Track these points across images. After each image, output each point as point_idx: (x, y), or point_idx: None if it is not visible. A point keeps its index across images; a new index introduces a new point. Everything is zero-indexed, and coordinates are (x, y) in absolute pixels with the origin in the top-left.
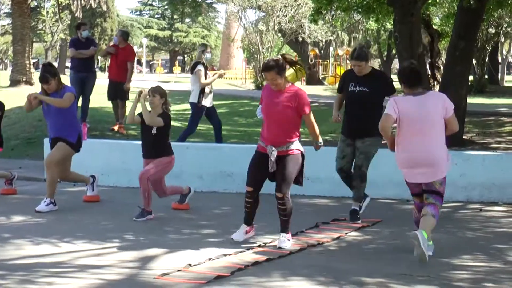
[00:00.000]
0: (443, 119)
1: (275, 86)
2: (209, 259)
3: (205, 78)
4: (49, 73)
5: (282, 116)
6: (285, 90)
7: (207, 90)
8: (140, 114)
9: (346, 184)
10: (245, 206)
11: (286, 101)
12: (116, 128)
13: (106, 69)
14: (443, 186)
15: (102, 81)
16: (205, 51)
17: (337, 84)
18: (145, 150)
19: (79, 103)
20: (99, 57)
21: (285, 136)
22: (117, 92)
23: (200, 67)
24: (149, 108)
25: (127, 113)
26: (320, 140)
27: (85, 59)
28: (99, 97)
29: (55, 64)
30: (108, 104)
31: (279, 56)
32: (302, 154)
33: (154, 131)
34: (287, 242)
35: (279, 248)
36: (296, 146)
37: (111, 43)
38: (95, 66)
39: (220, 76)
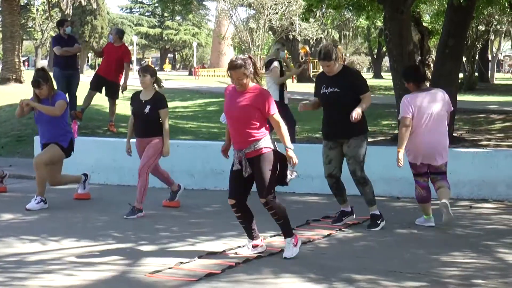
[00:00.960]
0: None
1: (240, 86)
2: (199, 256)
3: (281, 76)
4: (41, 78)
5: (246, 118)
6: (248, 91)
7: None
8: (135, 94)
9: (333, 192)
10: (239, 222)
11: (250, 102)
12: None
13: (97, 67)
14: (446, 167)
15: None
16: (281, 49)
17: None
18: (138, 129)
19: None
20: (89, 55)
21: (251, 136)
22: (107, 90)
23: (276, 64)
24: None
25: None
26: (288, 144)
27: (70, 56)
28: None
29: (45, 62)
30: (98, 102)
31: (248, 55)
32: (275, 152)
33: (146, 110)
34: (292, 249)
35: (285, 258)
36: (264, 144)
37: (107, 42)
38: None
39: (298, 71)
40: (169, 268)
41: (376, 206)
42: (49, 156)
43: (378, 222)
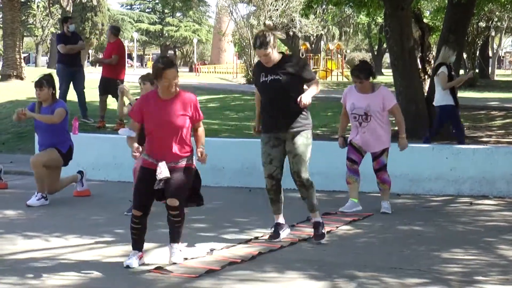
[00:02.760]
0: None
1: (172, 88)
2: (211, 250)
3: (448, 80)
4: (46, 81)
5: (175, 126)
6: (176, 96)
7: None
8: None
9: (270, 196)
10: (131, 232)
11: (180, 109)
12: (101, 125)
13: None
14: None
15: (93, 75)
16: (451, 55)
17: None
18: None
19: (73, 98)
20: (90, 51)
21: (179, 149)
22: (109, 88)
23: (443, 69)
24: (127, 102)
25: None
26: (201, 148)
27: (74, 53)
28: (90, 92)
29: (45, 58)
30: (94, 98)
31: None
32: (195, 170)
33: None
34: (179, 255)
35: (174, 263)
36: (190, 160)
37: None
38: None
39: (468, 79)
40: (173, 263)
41: (319, 212)
42: (47, 157)
43: (323, 231)
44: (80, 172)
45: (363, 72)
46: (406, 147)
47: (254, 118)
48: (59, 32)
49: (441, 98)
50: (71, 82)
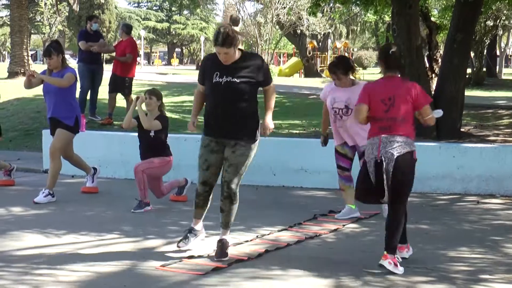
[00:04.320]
0: None
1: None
2: (207, 255)
3: None
4: (54, 48)
5: None
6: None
7: None
8: (137, 117)
9: (197, 200)
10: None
11: None
12: (108, 122)
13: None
14: None
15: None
16: None
17: None
18: (143, 152)
19: (86, 96)
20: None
21: None
22: (119, 86)
23: None
24: (144, 108)
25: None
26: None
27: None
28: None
29: None
30: (106, 96)
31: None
32: None
33: (152, 133)
34: None
35: None
36: None
37: (118, 40)
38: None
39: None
40: (178, 261)
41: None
42: (61, 142)
43: (227, 251)
44: (94, 168)
45: (340, 68)
46: None
47: (260, 116)
48: (82, 29)
49: None
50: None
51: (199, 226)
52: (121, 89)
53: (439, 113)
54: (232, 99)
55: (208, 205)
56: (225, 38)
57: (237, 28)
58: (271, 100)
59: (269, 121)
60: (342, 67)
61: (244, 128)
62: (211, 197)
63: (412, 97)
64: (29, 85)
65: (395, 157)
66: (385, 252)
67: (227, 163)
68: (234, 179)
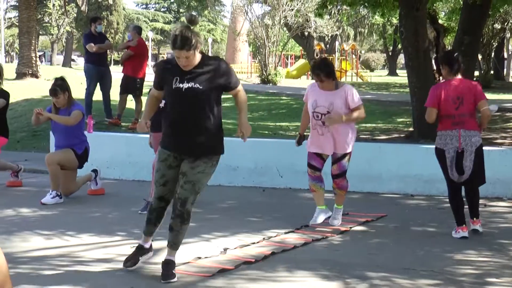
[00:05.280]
0: None
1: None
2: (224, 249)
3: None
4: (59, 87)
5: None
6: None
7: None
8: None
9: (150, 216)
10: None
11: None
12: (116, 122)
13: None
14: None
15: (114, 75)
16: None
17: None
18: (154, 123)
19: (96, 97)
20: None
21: None
22: (130, 88)
23: None
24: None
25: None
26: None
27: (102, 53)
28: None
29: (61, 57)
30: (115, 98)
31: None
32: None
33: (161, 104)
34: None
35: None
36: None
37: (126, 40)
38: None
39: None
40: (185, 263)
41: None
42: (62, 156)
43: (173, 271)
44: (94, 171)
45: (324, 71)
46: (335, 123)
47: (267, 118)
48: (86, 32)
49: None
50: (99, 82)
51: (148, 244)
52: (133, 90)
53: (494, 106)
54: (193, 107)
55: (161, 222)
56: (183, 40)
57: (196, 29)
58: (244, 103)
59: (246, 123)
60: (327, 70)
61: (206, 143)
62: (164, 214)
63: (474, 95)
64: (36, 122)
65: (474, 148)
66: (474, 219)
67: (184, 179)
68: (190, 197)
